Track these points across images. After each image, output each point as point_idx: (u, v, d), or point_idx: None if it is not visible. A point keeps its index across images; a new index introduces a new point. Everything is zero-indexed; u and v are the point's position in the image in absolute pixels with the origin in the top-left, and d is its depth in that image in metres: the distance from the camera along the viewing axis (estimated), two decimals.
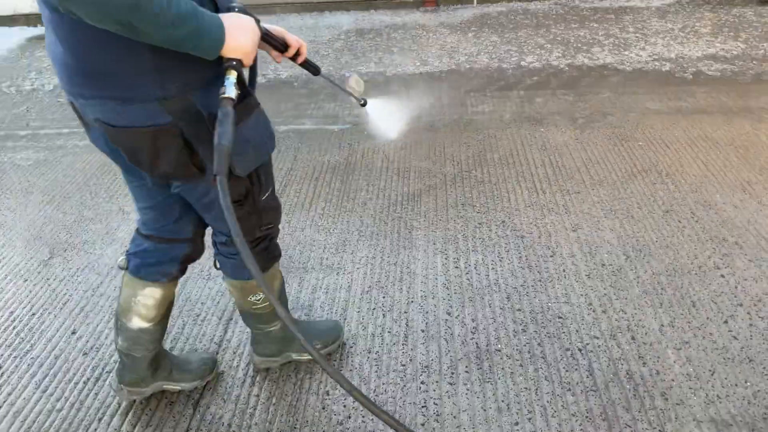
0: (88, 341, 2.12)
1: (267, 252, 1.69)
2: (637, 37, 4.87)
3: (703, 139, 3.23)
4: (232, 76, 1.23)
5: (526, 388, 1.84)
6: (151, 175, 1.42)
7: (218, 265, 1.77)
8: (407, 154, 3.25)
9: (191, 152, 1.34)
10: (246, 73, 1.38)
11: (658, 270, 2.29)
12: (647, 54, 4.50)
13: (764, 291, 2.16)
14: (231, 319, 2.17)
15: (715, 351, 1.93)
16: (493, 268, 2.36)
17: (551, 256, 2.41)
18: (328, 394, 1.86)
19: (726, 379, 1.83)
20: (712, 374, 1.85)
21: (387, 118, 2.27)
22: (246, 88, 1.35)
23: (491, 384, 1.86)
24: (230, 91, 1.22)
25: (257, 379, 1.93)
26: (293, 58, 1.61)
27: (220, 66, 1.23)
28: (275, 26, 1.53)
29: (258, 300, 1.76)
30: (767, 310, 2.08)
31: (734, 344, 1.95)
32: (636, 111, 3.60)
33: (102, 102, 1.25)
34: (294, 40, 1.57)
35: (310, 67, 1.71)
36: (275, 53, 1.55)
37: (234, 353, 2.03)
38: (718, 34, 4.83)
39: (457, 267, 2.38)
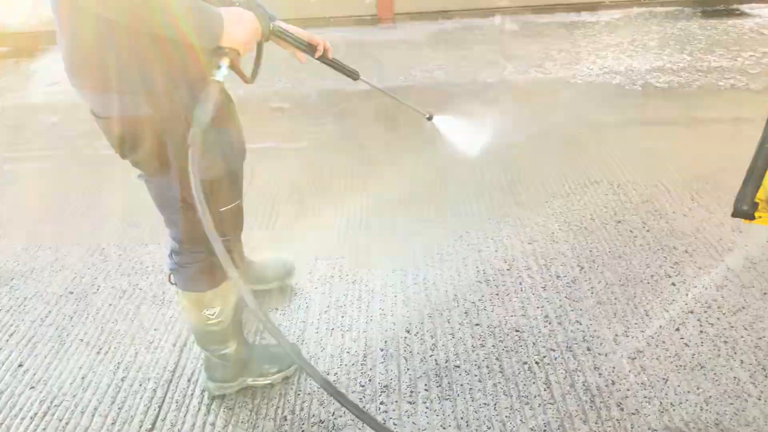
0: (35, 374, 2.05)
1: (210, 269, 1.66)
2: (588, 51, 4.99)
3: (652, 149, 3.31)
4: (224, 63, 1.32)
5: (485, 404, 1.84)
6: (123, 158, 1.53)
7: (172, 279, 1.74)
8: (365, 170, 3.25)
9: (160, 146, 1.42)
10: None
11: (612, 280, 2.33)
12: (598, 67, 4.61)
13: (713, 298, 2.22)
14: (185, 345, 2.12)
15: (667, 359, 1.97)
16: (451, 283, 2.37)
17: (508, 270, 2.42)
18: (285, 419, 1.82)
19: (679, 386, 1.87)
20: (665, 382, 1.89)
21: (457, 132, 2.39)
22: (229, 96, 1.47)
23: (450, 401, 1.86)
24: (220, 75, 1.32)
25: (212, 407, 1.89)
26: (323, 58, 1.74)
27: (199, 65, 1.33)
28: (298, 28, 1.66)
29: (212, 314, 1.72)
30: (716, 317, 2.13)
31: (686, 351, 1.99)
32: (587, 123, 3.68)
33: (93, 92, 1.35)
34: (320, 39, 1.70)
35: (346, 69, 1.84)
36: (300, 54, 1.68)
37: (188, 381, 1.98)
38: (665, 47, 4.98)
39: (416, 283, 2.38)
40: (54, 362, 2.10)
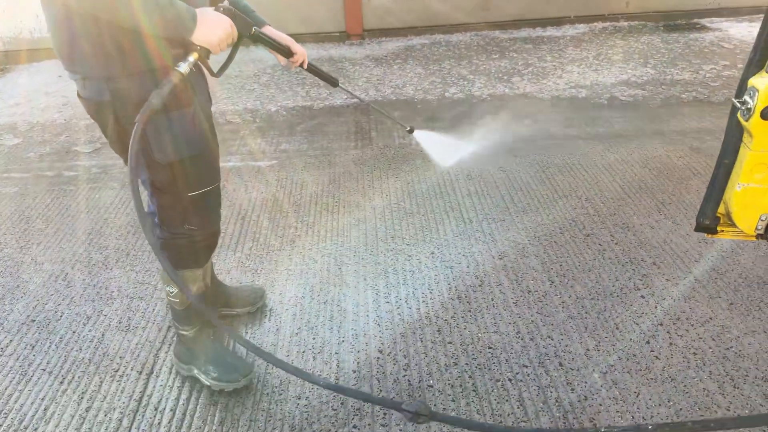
0: None
1: (184, 250, 1.80)
2: (554, 65, 5.07)
3: (619, 162, 3.36)
4: (192, 57, 1.46)
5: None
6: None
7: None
8: (335, 188, 3.23)
9: (122, 131, 1.55)
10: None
11: (582, 294, 2.34)
12: (564, 82, 4.69)
13: (681, 309, 2.24)
14: (152, 372, 2.07)
15: (638, 372, 1.98)
16: (423, 301, 2.36)
17: (479, 286, 2.42)
18: None
19: (650, 399, 1.88)
20: (637, 396, 1.89)
21: (436, 146, 2.51)
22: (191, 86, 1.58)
23: (425, 424, 1.83)
24: (183, 66, 1.44)
25: None
26: (300, 65, 1.91)
27: (161, 59, 1.46)
28: (283, 35, 1.84)
29: (171, 292, 1.89)
30: (685, 329, 2.15)
31: (656, 364, 2.01)
32: (555, 138, 3.72)
33: (73, 76, 1.52)
34: (299, 48, 1.87)
35: (325, 76, 2.00)
36: (281, 58, 1.85)
37: (155, 410, 1.92)
38: (629, 61, 5.09)
39: (388, 302, 2.37)
40: (15, 394, 2.02)
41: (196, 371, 1.99)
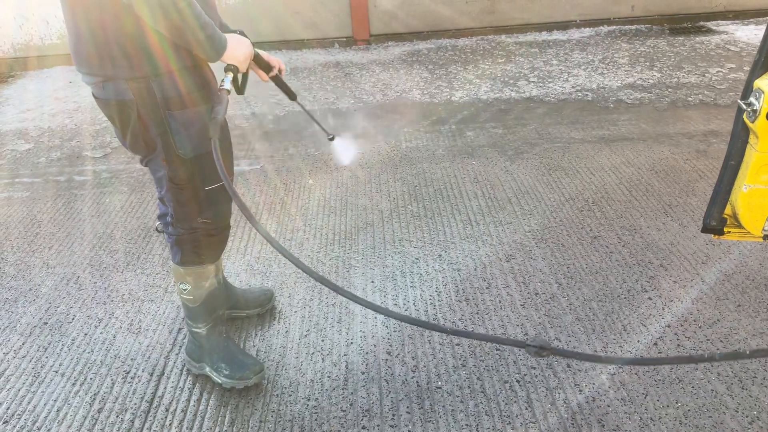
0: (9, 408, 2.00)
1: (197, 245, 1.86)
2: (560, 69, 5.09)
3: (625, 165, 3.37)
4: (228, 76, 1.69)
5: (467, 425, 1.84)
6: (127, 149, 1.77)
7: (160, 228, 2.03)
8: (343, 191, 3.26)
9: (145, 129, 1.65)
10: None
11: (589, 296, 2.35)
12: (570, 85, 4.70)
13: (689, 311, 2.25)
14: (163, 374, 2.09)
15: (646, 373, 1.99)
16: (431, 303, 2.37)
17: (487, 288, 2.44)
18: None
19: (658, 401, 1.89)
20: (645, 397, 1.90)
21: (351, 152, 2.60)
22: (210, 89, 1.73)
23: (433, 423, 1.85)
24: (227, 84, 1.67)
25: None
26: (275, 78, 2.01)
27: (179, 63, 1.60)
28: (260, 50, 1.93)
29: (185, 289, 1.94)
30: (693, 330, 2.16)
31: (664, 365, 2.01)
32: (561, 141, 3.73)
33: (92, 78, 1.60)
34: (275, 60, 1.98)
35: (288, 90, 2.11)
36: (261, 72, 1.96)
37: (167, 411, 1.95)
38: (635, 64, 5.10)
39: (396, 304, 2.38)
40: (28, 395, 2.05)
41: (207, 369, 2.02)
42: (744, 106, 1.32)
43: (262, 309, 2.33)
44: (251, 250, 2.78)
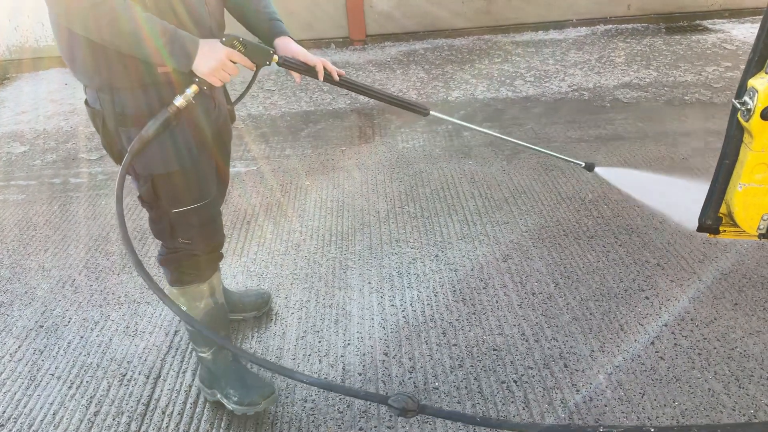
0: (5, 411, 1.99)
1: (182, 264, 1.77)
2: (557, 68, 5.08)
3: (622, 164, 3.37)
4: (190, 90, 1.50)
5: (464, 426, 1.83)
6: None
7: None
8: (340, 192, 3.25)
9: (111, 140, 1.59)
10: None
11: (586, 295, 2.35)
12: (567, 85, 4.70)
13: (686, 310, 2.25)
14: (159, 377, 2.08)
15: (644, 373, 1.99)
16: (428, 304, 2.37)
17: (484, 288, 2.43)
18: None
19: (655, 400, 1.88)
20: (642, 396, 1.90)
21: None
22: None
23: (430, 425, 1.85)
24: (178, 99, 1.49)
25: None
26: (329, 80, 1.72)
27: (135, 79, 1.49)
28: (296, 48, 1.71)
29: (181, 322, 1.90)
30: (690, 329, 2.16)
31: (661, 365, 2.01)
32: (558, 140, 3.73)
33: (79, 82, 1.57)
34: (316, 60, 1.70)
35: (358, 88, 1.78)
36: (295, 74, 1.73)
37: (163, 414, 1.94)
38: (631, 63, 5.10)
39: (392, 305, 2.38)
40: (24, 399, 2.04)
41: (219, 395, 1.93)
42: (738, 105, 1.32)
43: (258, 312, 2.32)
44: (247, 251, 2.77)
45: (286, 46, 1.72)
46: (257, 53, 1.58)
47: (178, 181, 1.63)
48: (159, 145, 1.55)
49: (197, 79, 1.51)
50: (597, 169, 2.02)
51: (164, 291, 1.40)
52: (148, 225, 1.75)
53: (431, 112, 1.86)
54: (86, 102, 1.61)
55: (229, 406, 1.90)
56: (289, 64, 1.65)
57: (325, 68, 1.70)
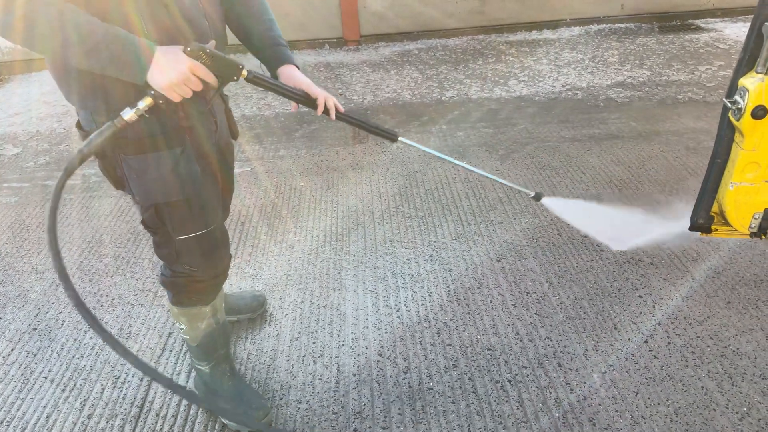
0: None
1: (184, 288, 1.73)
2: (550, 68, 5.10)
3: (615, 163, 3.38)
4: (143, 102, 1.35)
5: (458, 426, 1.83)
6: None
7: None
8: (334, 193, 3.25)
9: (111, 166, 1.52)
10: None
11: (580, 295, 2.36)
12: (560, 84, 4.71)
13: (679, 308, 2.25)
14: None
15: (637, 371, 1.99)
16: (422, 304, 2.37)
17: (478, 288, 2.44)
18: None
19: (649, 398, 1.89)
20: (636, 395, 1.90)
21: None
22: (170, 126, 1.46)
23: (424, 424, 1.85)
24: (127, 112, 1.34)
25: None
26: (326, 113, 1.61)
27: (124, 101, 1.36)
28: (301, 78, 1.58)
29: (181, 328, 1.84)
30: (683, 327, 2.16)
31: (655, 363, 2.02)
32: (552, 140, 3.74)
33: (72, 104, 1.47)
34: (320, 92, 1.58)
35: (353, 121, 1.66)
36: (293, 102, 1.61)
37: (157, 416, 1.94)
38: (625, 63, 5.11)
39: (387, 305, 2.38)
40: (17, 402, 2.03)
41: (214, 408, 1.93)
42: (729, 105, 1.32)
43: (253, 314, 2.32)
44: (241, 252, 2.77)
45: (290, 75, 1.60)
46: (224, 67, 1.40)
47: (182, 210, 1.57)
48: (161, 174, 1.48)
49: (152, 92, 1.35)
50: (543, 200, 1.99)
51: (111, 335, 1.37)
52: (153, 249, 1.69)
53: (400, 138, 1.76)
54: (79, 125, 1.51)
55: (225, 420, 1.88)
56: (260, 81, 1.50)
57: (326, 103, 1.59)
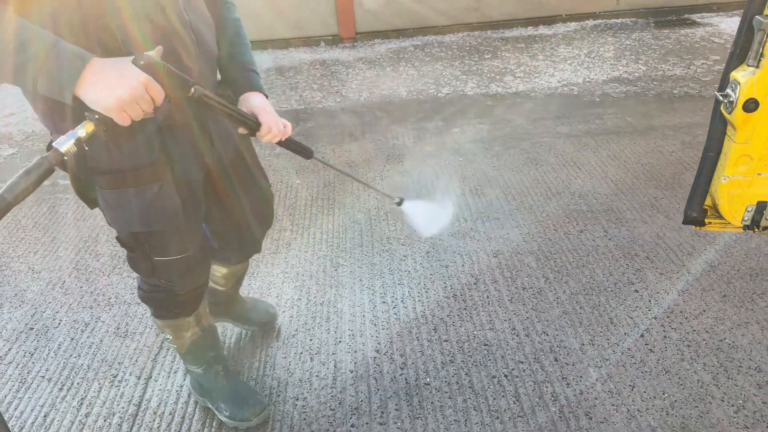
0: None
1: (164, 302, 1.69)
2: (546, 64, 5.10)
3: (611, 158, 3.38)
4: (81, 129, 1.11)
5: (455, 421, 1.84)
6: None
7: None
8: (330, 191, 3.25)
9: (83, 187, 1.41)
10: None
11: (576, 289, 2.36)
12: (557, 80, 4.71)
13: (675, 302, 2.26)
14: (150, 377, 2.08)
15: (633, 365, 2.00)
16: (419, 300, 2.37)
17: (475, 284, 2.44)
18: None
19: (645, 392, 1.90)
20: (632, 389, 1.91)
21: (423, 216, 2.34)
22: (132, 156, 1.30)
23: (421, 420, 1.85)
24: (62, 143, 1.10)
25: None
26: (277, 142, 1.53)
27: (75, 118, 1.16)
28: (261, 106, 1.46)
29: (167, 338, 1.81)
30: (679, 321, 2.17)
31: (651, 357, 2.03)
32: (548, 135, 3.74)
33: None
34: (269, 122, 1.46)
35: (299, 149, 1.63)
36: (240, 128, 1.46)
37: (154, 414, 1.94)
38: (621, 58, 5.11)
39: (384, 302, 2.38)
40: (15, 401, 2.03)
41: (209, 404, 1.92)
42: (721, 98, 1.32)
43: (261, 329, 2.26)
44: None
45: (246, 99, 1.51)
46: (176, 83, 1.22)
47: (160, 237, 1.49)
48: (138, 208, 1.38)
49: (97, 116, 1.12)
50: (404, 204, 2.00)
51: None
52: (127, 262, 1.61)
53: (314, 155, 1.73)
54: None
55: (221, 417, 1.88)
56: (207, 99, 1.30)
57: (270, 130, 1.47)
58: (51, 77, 1.07)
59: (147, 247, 1.50)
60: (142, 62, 1.12)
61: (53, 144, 1.11)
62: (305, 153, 1.67)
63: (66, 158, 1.11)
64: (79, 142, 1.11)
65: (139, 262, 1.55)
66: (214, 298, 2.08)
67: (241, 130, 1.48)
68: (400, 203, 1.94)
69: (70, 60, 1.08)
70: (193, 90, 1.25)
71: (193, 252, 1.59)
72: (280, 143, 1.56)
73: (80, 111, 1.13)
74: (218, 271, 1.99)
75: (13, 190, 1.09)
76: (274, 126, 1.48)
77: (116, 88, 1.09)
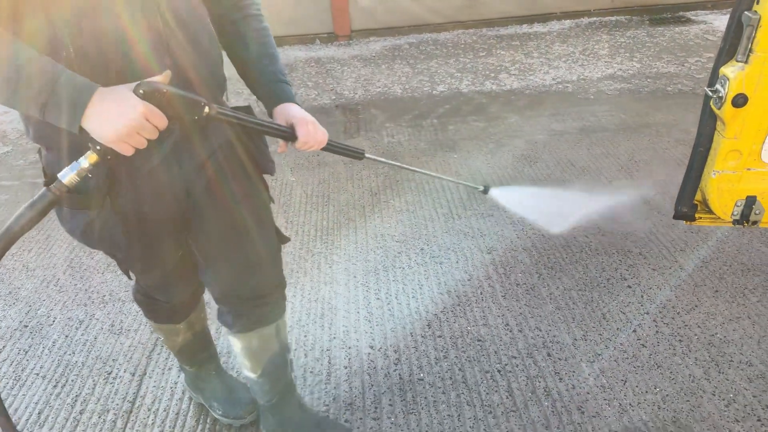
0: None
1: (152, 308, 1.70)
2: (541, 61, 5.11)
3: (605, 156, 3.40)
4: (84, 160, 1.10)
5: (449, 415, 1.85)
6: None
7: None
8: (324, 188, 3.26)
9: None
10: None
11: (569, 285, 2.37)
12: (551, 78, 4.72)
13: (668, 298, 2.27)
14: (144, 374, 2.08)
15: (625, 360, 2.01)
16: (413, 297, 2.38)
17: (468, 280, 2.45)
18: None
19: (637, 387, 1.91)
20: (624, 383, 1.92)
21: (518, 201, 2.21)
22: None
23: (415, 415, 1.86)
24: (66, 174, 1.10)
25: None
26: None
27: (71, 137, 1.12)
28: (296, 113, 1.39)
29: (159, 338, 1.87)
30: (671, 316, 2.18)
31: (643, 352, 2.04)
32: (542, 133, 3.75)
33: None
34: (304, 133, 1.37)
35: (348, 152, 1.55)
36: (281, 141, 1.40)
37: (149, 410, 1.94)
38: (615, 56, 5.13)
39: (378, 298, 2.39)
40: (9, 399, 2.03)
41: (203, 401, 1.93)
42: (710, 93, 1.33)
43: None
44: None
45: (282, 110, 1.42)
46: (184, 107, 1.16)
47: (126, 258, 1.46)
48: (76, 226, 1.32)
49: (98, 147, 1.09)
50: (492, 191, 1.93)
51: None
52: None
53: (365, 155, 1.62)
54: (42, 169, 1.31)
55: (215, 415, 1.89)
56: (231, 117, 1.25)
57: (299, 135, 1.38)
58: (59, 109, 1.05)
59: (122, 258, 1.45)
60: (141, 91, 1.08)
61: (58, 176, 1.11)
62: (355, 155, 1.57)
63: (69, 190, 1.13)
64: (81, 172, 1.11)
65: (121, 265, 1.49)
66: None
67: (281, 144, 1.42)
68: (485, 191, 1.87)
69: (80, 91, 1.06)
70: (207, 109, 1.19)
71: (161, 273, 1.51)
72: (325, 149, 1.47)
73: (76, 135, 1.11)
74: (234, 345, 1.72)
75: (19, 221, 1.12)
76: (311, 138, 1.40)
77: (114, 121, 1.06)
